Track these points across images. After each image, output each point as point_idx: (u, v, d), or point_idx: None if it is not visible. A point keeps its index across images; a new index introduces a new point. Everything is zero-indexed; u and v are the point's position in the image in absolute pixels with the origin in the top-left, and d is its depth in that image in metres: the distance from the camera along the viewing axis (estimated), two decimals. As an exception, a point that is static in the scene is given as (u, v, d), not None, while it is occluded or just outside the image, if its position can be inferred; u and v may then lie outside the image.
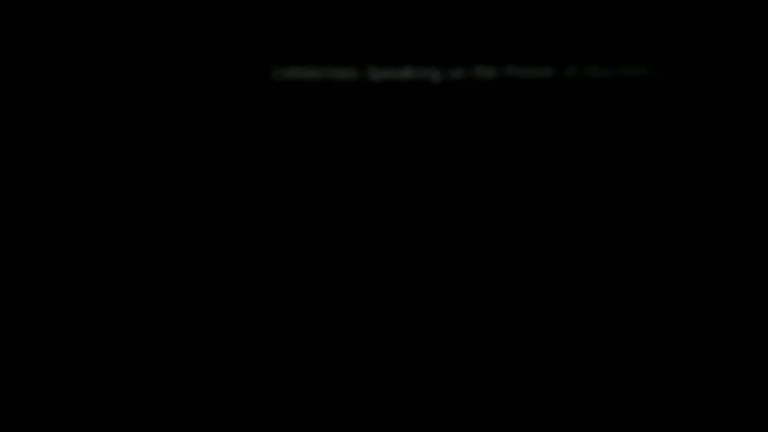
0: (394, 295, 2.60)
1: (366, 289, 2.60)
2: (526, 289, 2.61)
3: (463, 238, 2.60)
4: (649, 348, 2.63)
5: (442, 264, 2.60)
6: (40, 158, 2.56)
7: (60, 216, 2.56)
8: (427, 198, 2.59)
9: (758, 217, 2.65)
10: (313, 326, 2.60)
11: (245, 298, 2.58)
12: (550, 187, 2.60)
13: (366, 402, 2.60)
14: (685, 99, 2.61)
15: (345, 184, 2.58)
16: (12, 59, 2.54)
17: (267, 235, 2.57)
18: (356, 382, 2.60)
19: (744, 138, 2.65)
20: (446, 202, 2.59)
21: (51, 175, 2.57)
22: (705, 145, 2.64)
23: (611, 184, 2.62)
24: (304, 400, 2.59)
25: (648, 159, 2.63)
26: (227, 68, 2.56)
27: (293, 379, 2.59)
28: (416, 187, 2.59)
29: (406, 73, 2.57)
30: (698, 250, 2.65)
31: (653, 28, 2.61)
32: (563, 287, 2.62)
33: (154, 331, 2.57)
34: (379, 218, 2.59)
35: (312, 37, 2.56)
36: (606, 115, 2.60)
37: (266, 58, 2.56)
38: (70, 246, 2.57)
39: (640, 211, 2.63)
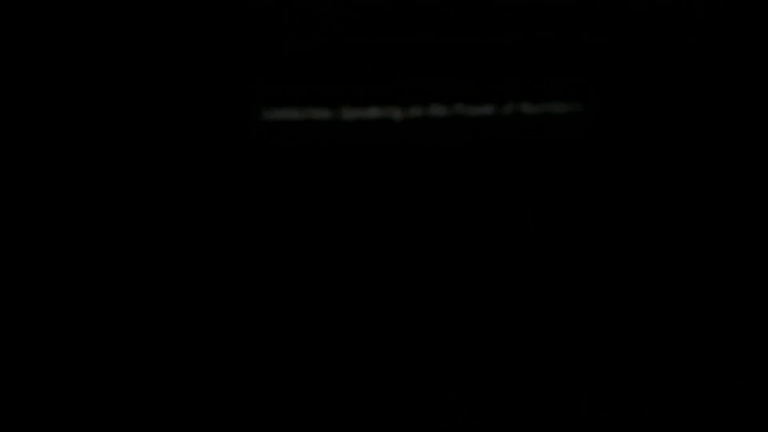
0: (374, 304, 2.83)
1: (350, 295, 2.83)
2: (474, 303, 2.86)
3: (421, 249, 2.87)
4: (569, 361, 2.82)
5: (406, 269, 2.86)
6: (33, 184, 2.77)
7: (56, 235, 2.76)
8: (387, 213, 2.87)
9: (672, 236, 2.86)
10: (288, 339, 2.81)
11: (240, 301, 2.81)
12: (495, 204, 2.88)
13: (359, 405, 2.78)
14: (608, 132, 2.89)
15: (322, 205, 2.85)
16: None
17: (258, 244, 2.84)
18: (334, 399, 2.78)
19: (658, 166, 2.88)
20: (401, 216, 2.87)
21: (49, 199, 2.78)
22: (626, 172, 2.88)
23: (548, 206, 2.88)
24: (297, 403, 2.77)
25: (574, 182, 2.89)
26: (225, 111, 2.83)
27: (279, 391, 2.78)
28: (381, 204, 2.87)
29: (373, 112, 2.90)
30: (628, 270, 2.85)
31: (582, 70, 2.90)
32: (517, 303, 2.85)
33: (142, 339, 2.75)
34: (347, 228, 2.86)
35: (294, 83, 2.88)
36: (537, 146, 2.88)
37: (257, 102, 2.86)
38: (64, 258, 2.76)
39: (557, 231, 2.86)
